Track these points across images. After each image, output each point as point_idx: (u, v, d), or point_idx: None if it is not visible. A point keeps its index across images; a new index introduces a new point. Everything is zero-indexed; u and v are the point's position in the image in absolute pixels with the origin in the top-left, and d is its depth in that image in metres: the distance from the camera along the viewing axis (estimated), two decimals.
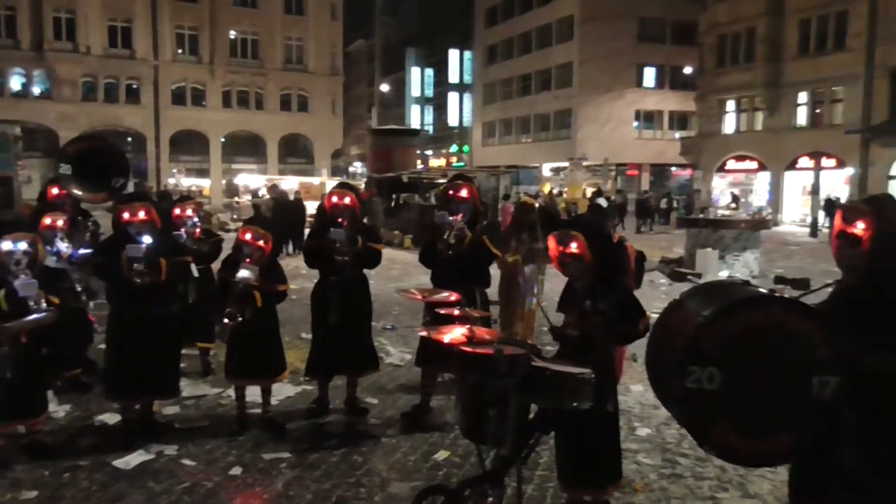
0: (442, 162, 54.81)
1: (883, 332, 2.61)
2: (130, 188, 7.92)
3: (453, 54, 56.62)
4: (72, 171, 6.70)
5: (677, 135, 41.73)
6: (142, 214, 4.94)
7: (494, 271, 5.90)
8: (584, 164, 37.72)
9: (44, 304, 4.37)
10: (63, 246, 5.59)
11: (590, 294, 3.47)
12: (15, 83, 36.53)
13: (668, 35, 43.22)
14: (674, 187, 39.95)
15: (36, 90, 36.89)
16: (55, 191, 6.52)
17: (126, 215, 4.93)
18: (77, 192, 6.61)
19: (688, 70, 38.66)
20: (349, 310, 5.24)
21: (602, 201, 19.67)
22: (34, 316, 3.56)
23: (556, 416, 3.29)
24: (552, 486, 4.08)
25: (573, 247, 3.47)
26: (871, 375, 2.59)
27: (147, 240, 4.81)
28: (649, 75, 43.66)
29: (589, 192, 30.45)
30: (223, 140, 41.29)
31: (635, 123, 43.91)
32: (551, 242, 3.56)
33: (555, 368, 3.10)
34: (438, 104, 60.07)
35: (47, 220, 5.66)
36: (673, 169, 43.83)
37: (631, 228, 25.35)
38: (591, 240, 3.47)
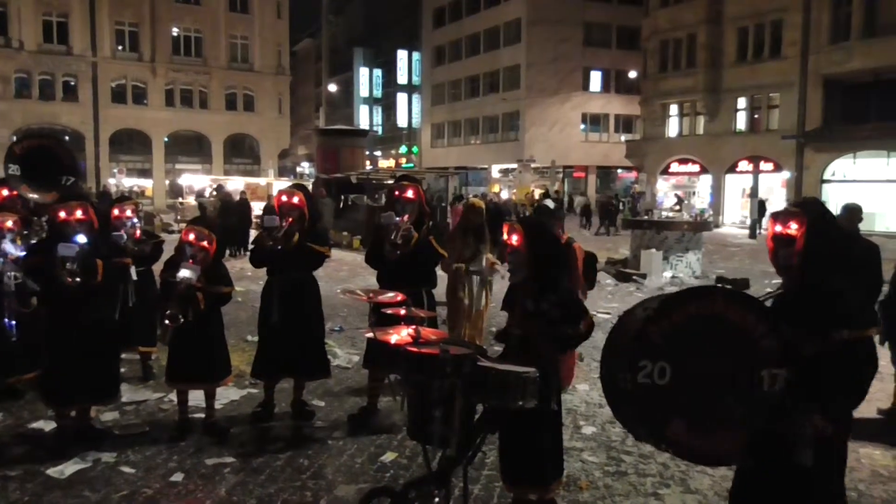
0: (391, 163, 54.71)
1: (818, 321, 2.71)
2: None
3: (401, 55, 56.56)
4: (20, 171, 6.49)
5: (622, 138, 42.65)
6: (79, 213, 4.78)
7: (441, 272, 5.91)
8: (532, 165, 38.19)
9: None
10: (12, 247, 5.37)
11: (531, 294, 3.51)
12: None
13: (614, 39, 44.17)
14: (620, 189, 40.80)
15: None
16: (5, 192, 6.31)
17: (62, 214, 4.76)
18: (27, 192, 6.41)
19: (633, 74, 39.53)
20: (293, 311, 5.18)
21: (549, 202, 19.89)
22: None
23: (502, 416, 3.31)
24: (499, 485, 4.11)
25: (514, 239, 3.53)
26: (812, 363, 2.67)
27: (81, 239, 4.64)
28: (595, 79, 44.50)
29: (537, 193, 30.80)
30: (166, 139, 40.26)
31: (582, 126, 44.67)
32: (504, 231, 3.62)
33: (500, 368, 3.12)
34: (387, 105, 59.91)
35: None
36: (619, 171, 44.75)
37: (588, 230, 25.53)
38: (530, 235, 3.52)
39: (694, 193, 33.99)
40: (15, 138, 11.16)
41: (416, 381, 3.24)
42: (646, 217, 18.33)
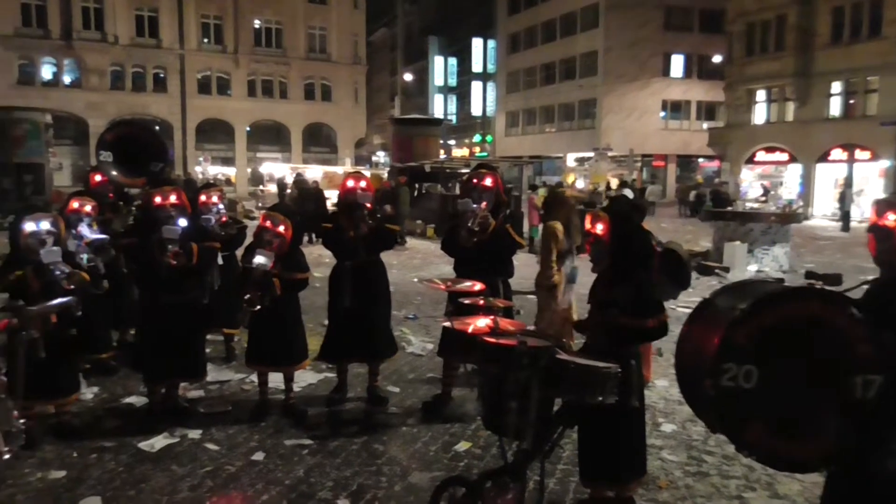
0: (465, 152, 54.64)
1: None
2: None
3: (476, 43, 56.28)
4: (112, 157, 6.80)
5: (705, 125, 41.15)
6: (173, 198, 4.98)
7: (517, 261, 5.84)
8: (609, 154, 37.38)
9: (67, 270, 4.38)
10: (87, 231, 5.65)
11: (609, 284, 3.42)
12: (46, 72, 37.01)
13: (696, 23, 42.53)
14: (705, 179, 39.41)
15: (66, 79, 37.33)
16: (97, 178, 6.63)
17: (158, 199, 4.97)
18: (117, 177, 6.71)
19: (716, 59, 38.01)
20: (363, 295, 5.24)
21: (628, 192, 19.43)
22: (57, 301, 3.60)
23: (580, 411, 3.24)
24: (574, 480, 4.04)
25: (599, 228, 3.44)
26: None
27: (182, 222, 4.84)
28: (676, 64, 43.01)
29: (614, 182, 30.13)
30: (248, 129, 41.54)
31: (661, 113, 43.34)
32: (587, 220, 3.54)
33: (579, 362, 3.05)
34: (461, 93, 59.83)
35: (75, 204, 5.72)
36: (700, 160, 43.24)
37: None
38: (615, 225, 3.42)
39: (781, 183, 32.51)
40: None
41: (493, 372, 3.21)
42: (729, 208, 17.64)
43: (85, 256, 5.41)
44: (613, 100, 41.79)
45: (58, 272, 4.35)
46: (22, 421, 2.82)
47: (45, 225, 4.53)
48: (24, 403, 3.06)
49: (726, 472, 4.40)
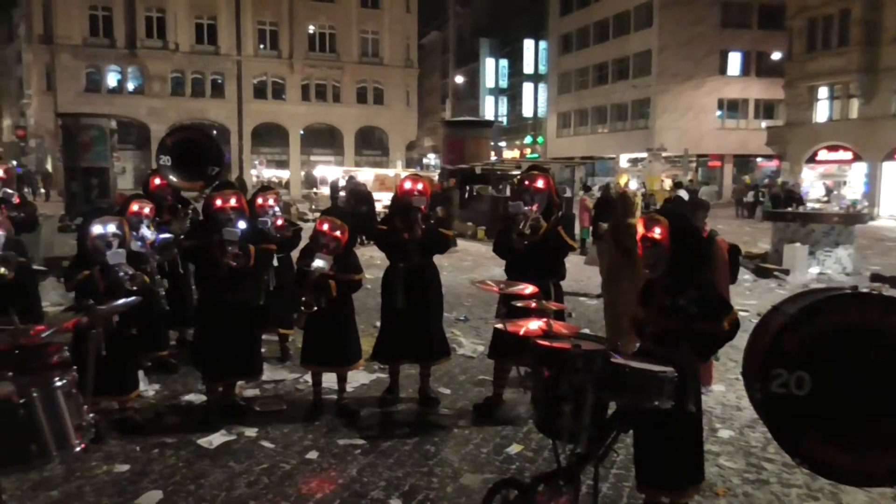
0: (516, 153, 54.48)
1: None
2: None
3: (528, 44, 56.01)
4: (170, 161, 6.98)
5: (763, 124, 39.96)
6: (233, 201, 5.11)
7: (568, 264, 5.78)
8: (663, 154, 36.67)
9: (130, 271, 4.54)
10: (148, 232, 5.84)
11: (670, 289, 3.35)
12: (111, 80, 38.51)
13: (754, 19, 41.37)
14: (760, 179, 38.29)
15: (129, 86, 38.79)
16: (157, 181, 6.84)
17: (218, 202, 5.10)
18: (176, 181, 6.90)
19: (776, 56, 36.87)
20: (416, 296, 5.27)
21: (683, 193, 18.99)
22: (123, 301, 3.74)
23: (635, 415, 3.19)
24: (629, 485, 3.98)
25: (656, 231, 3.37)
26: None
27: (242, 224, 4.96)
28: (734, 62, 41.92)
29: (668, 183, 29.54)
30: (302, 132, 42.30)
31: (717, 112, 42.31)
32: (639, 225, 3.47)
33: (633, 366, 3.01)
34: (512, 95, 59.61)
35: (134, 207, 5.93)
36: (758, 160, 42.03)
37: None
38: (674, 229, 3.35)
39: (845, 183, 31.30)
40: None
41: (545, 374, 3.19)
42: (789, 208, 17.09)
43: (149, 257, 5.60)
44: (668, 99, 41.00)
45: (121, 273, 4.51)
46: (91, 415, 2.93)
47: (112, 228, 4.70)
48: (91, 399, 3.18)
49: (787, 480, 4.27)
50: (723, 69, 41.82)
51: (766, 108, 42.02)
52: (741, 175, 41.25)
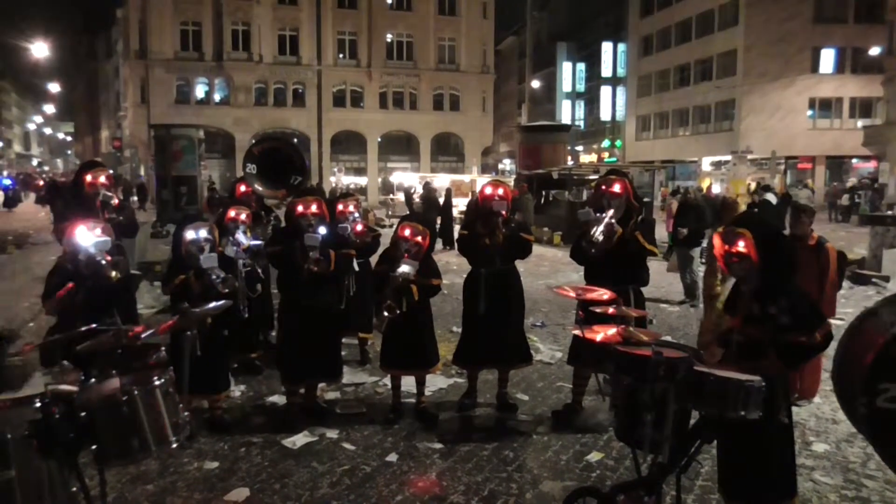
0: (593, 157, 53.60)
1: None
2: None
3: (606, 47, 55.10)
4: (256, 169, 7.27)
5: (859, 123, 37.80)
6: (314, 208, 5.27)
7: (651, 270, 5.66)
8: (749, 157, 35.25)
9: (222, 275, 4.74)
10: (243, 238, 6.09)
11: (758, 297, 3.23)
12: (199, 91, 40.34)
13: (850, 13, 39.23)
14: (855, 181, 36.26)
15: (216, 97, 40.51)
16: (242, 188, 7.14)
17: (300, 208, 5.28)
18: (260, 189, 7.17)
19: (874, 51, 34.82)
20: (497, 301, 5.27)
21: (771, 196, 18.19)
22: (217, 303, 3.92)
23: (720, 425, 3.09)
24: (714, 497, 3.85)
25: (740, 245, 3.25)
26: None
27: (322, 230, 5.11)
28: (827, 59, 39.82)
29: (752, 186, 28.38)
30: (379, 139, 43.05)
31: (809, 112, 40.29)
32: (716, 241, 3.34)
33: (718, 374, 2.92)
34: (590, 98, 58.77)
35: (231, 213, 6.22)
36: (853, 161, 39.80)
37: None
38: (759, 238, 3.22)
39: None
40: (253, 141, 12.56)
41: (627, 382, 3.13)
42: (889, 212, 16.13)
43: (242, 262, 5.84)
44: (754, 100, 39.42)
45: (214, 276, 4.72)
46: (186, 413, 3.08)
47: (203, 233, 4.94)
48: (185, 398, 3.35)
49: (890, 499, 4.03)
50: (815, 67, 39.80)
51: (863, 107, 39.72)
52: (835, 177, 39.21)
